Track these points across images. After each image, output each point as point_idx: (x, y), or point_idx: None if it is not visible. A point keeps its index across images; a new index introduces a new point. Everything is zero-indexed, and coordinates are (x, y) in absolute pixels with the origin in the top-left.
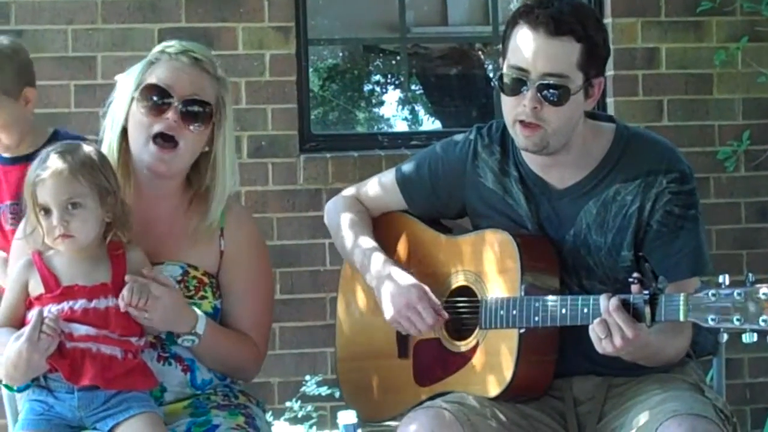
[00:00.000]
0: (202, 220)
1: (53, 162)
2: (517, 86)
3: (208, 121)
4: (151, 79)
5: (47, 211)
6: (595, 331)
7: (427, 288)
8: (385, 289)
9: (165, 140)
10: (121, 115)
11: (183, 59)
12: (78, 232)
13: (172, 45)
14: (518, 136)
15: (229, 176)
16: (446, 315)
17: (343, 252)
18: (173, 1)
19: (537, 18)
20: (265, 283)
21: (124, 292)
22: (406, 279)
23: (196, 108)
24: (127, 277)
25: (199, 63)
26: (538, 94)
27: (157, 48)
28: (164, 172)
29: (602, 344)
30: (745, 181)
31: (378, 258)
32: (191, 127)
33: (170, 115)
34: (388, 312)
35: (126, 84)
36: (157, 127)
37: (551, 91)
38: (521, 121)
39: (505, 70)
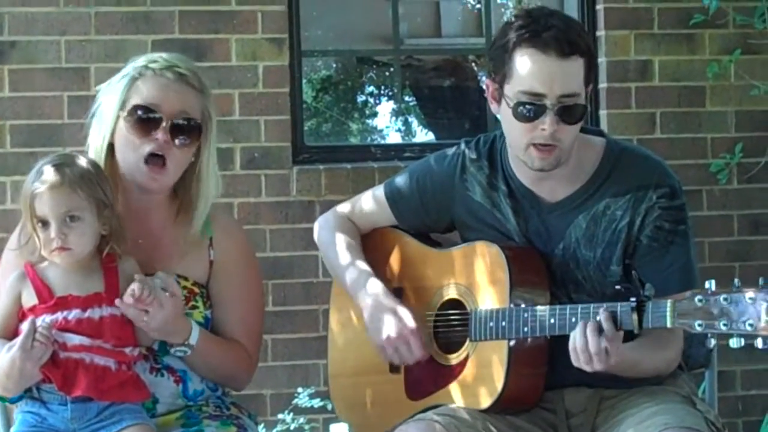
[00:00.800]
0: (188, 230)
1: (51, 174)
2: (536, 112)
3: (197, 137)
4: (138, 99)
5: (45, 224)
6: (575, 351)
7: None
8: (374, 314)
9: (155, 159)
10: (107, 131)
11: (168, 75)
12: (75, 244)
13: (155, 60)
14: (533, 159)
15: (213, 186)
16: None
17: (333, 272)
18: (166, 12)
19: (546, 41)
20: (255, 291)
21: (134, 285)
22: (400, 309)
23: (184, 126)
24: (137, 276)
25: (184, 78)
26: (557, 117)
27: (140, 61)
28: (156, 189)
29: (581, 364)
30: (738, 194)
31: (369, 282)
32: (180, 145)
33: (159, 135)
34: (377, 338)
35: (110, 99)
36: (148, 148)
37: (569, 110)
38: (536, 145)
39: (515, 96)
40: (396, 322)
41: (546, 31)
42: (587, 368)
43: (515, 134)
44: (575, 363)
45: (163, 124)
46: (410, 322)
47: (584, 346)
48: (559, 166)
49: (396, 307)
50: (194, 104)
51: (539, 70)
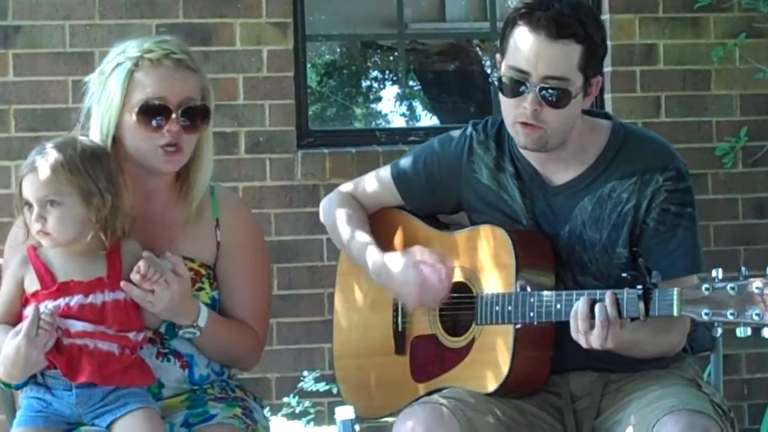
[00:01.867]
0: (189, 209)
1: (39, 158)
2: (517, 88)
3: (205, 119)
4: (142, 94)
5: (29, 206)
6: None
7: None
8: (396, 276)
9: (170, 147)
10: (111, 126)
11: (168, 63)
12: (54, 230)
13: (150, 49)
14: (518, 135)
15: (210, 164)
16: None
17: (342, 246)
18: None
19: (538, 20)
20: (263, 272)
21: (141, 263)
22: (413, 248)
23: (194, 112)
24: (144, 253)
25: (183, 63)
26: (539, 97)
27: (132, 51)
28: (173, 170)
29: (585, 338)
30: (743, 178)
31: (378, 254)
32: (193, 131)
33: (171, 127)
34: (408, 295)
35: (109, 93)
36: (162, 140)
37: (552, 93)
38: (521, 122)
39: (504, 70)
40: (411, 263)
41: (543, 11)
42: (582, 341)
43: (504, 109)
44: (573, 334)
45: (173, 116)
46: (428, 252)
47: (586, 314)
48: (547, 148)
49: (407, 249)
50: (195, 86)
51: (526, 47)
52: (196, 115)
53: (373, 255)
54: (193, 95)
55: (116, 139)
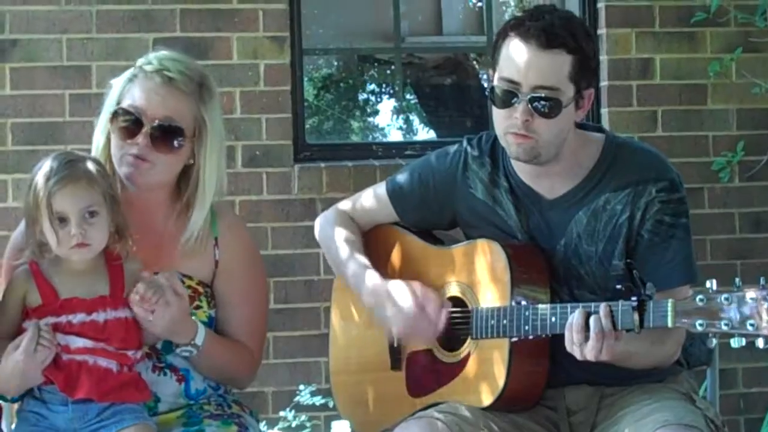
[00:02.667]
0: (186, 232)
1: (68, 171)
2: (509, 98)
3: (181, 143)
4: (125, 101)
5: (63, 221)
6: (573, 340)
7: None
8: (385, 304)
9: (137, 158)
10: (104, 130)
11: (156, 79)
12: (94, 240)
13: (150, 62)
14: (510, 145)
15: (210, 188)
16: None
17: (336, 268)
18: (168, 11)
19: (528, 30)
20: (260, 292)
21: (140, 285)
22: (409, 283)
23: (166, 131)
24: (144, 274)
25: (172, 83)
26: (530, 107)
27: (141, 60)
28: (141, 184)
29: (580, 350)
30: (739, 192)
31: (372, 278)
32: (162, 150)
33: (140, 139)
34: (396, 325)
35: (109, 98)
36: (129, 150)
37: (542, 103)
38: (513, 133)
39: (496, 82)
40: (410, 294)
41: (533, 22)
42: (577, 353)
43: (496, 120)
44: (568, 346)
45: (144, 129)
46: (425, 291)
47: (581, 326)
48: (539, 160)
49: (403, 282)
50: (182, 108)
51: (517, 57)
52: (168, 136)
53: (371, 279)
54: (174, 115)
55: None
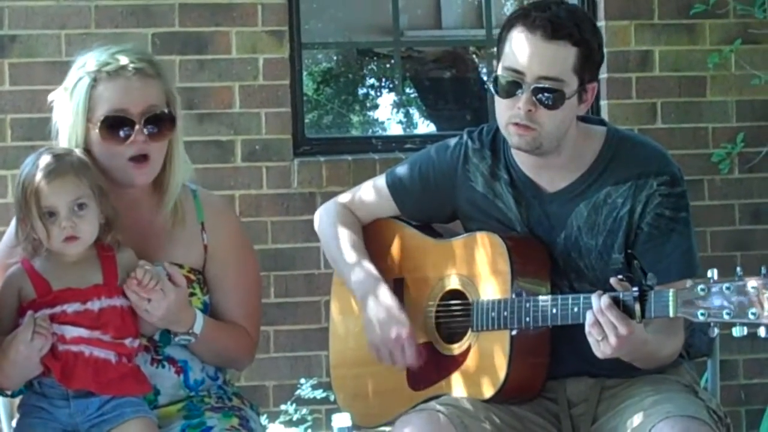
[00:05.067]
0: (166, 214)
1: (54, 164)
2: (512, 89)
3: (171, 125)
4: (104, 108)
5: (52, 215)
6: (591, 335)
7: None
8: (373, 312)
9: (138, 158)
10: (78, 142)
11: (125, 74)
12: (84, 232)
13: (107, 62)
14: (511, 135)
15: (182, 164)
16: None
17: (334, 263)
18: (166, 5)
19: (534, 21)
20: (252, 271)
21: (138, 270)
22: (396, 310)
23: (158, 120)
24: (141, 262)
25: (141, 72)
26: (533, 97)
27: (90, 65)
28: (144, 183)
29: (600, 347)
30: (739, 183)
31: (369, 275)
32: (158, 139)
33: (136, 137)
34: (372, 336)
35: (70, 109)
36: (129, 152)
37: (546, 94)
38: (515, 123)
39: (499, 72)
40: (393, 326)
41: (539, 13)
42: (599, 349)
43: (498, 110)
44: (596, 349)
45: (137, 126)
46: (406, 328)
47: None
48: (541, 151)
49: (394, 309)
50: (158, 93)
51: (522, 48)
52: (161, 123)
53: (366, 281)
54: (156, 102)
55: (89, 153)
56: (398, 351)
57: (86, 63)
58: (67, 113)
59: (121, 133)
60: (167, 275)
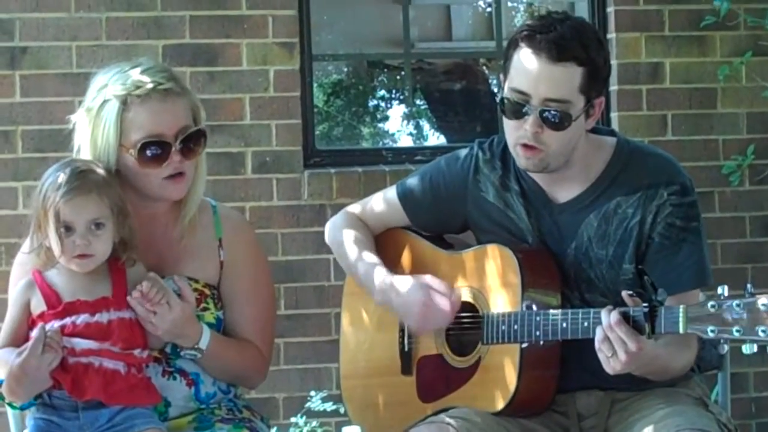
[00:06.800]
0: (184, 226)
1: (78, 181)
2: (519, 110)
3: (203, 141)
4: (139, 134)
5: (69, 230)
6: (602, 351)
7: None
8: (398, 296)
9: (174, 175)
10: (112, 163)
11: (156, 96)
12: (97, 251)
13: (137, 85)
14: (519, 157)
15: (203, 177)
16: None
17: (348, 269)
18: (177, 17)
19: (539, 43)
20: (266, 290)
21: (144, 283)
22: (414, 275)
23: (192, 139)
24: (150, 274)
25: (170, 92)
26: (540, 119)
27: (117, 87)
28: (181, 196)
29: (610, 363)
30: (750, 195)
31: (384, 274)
32: (193, 156)
33: (173, 158)
34: (409, 311)
35: (101, 133)
36: (166, 172)
37: (553, 114)
38: (522, 144)
39: (506, 92)
40: (420, 281)
41: (544, 34)
42: (609, 365)
43: (507, 130)
44: (606, 365)
45: (173, 149)
46: (430, 276)
47: (609, 326)
48: (548, 170)
49: (412, 277)
50: (187, 111)
51: (528, 70)
52: (194, 140)
53: (380, 276)
54: (187, 121)
55: (118, 172)
56: (438, 297)
57: (109, 83)
58: (96, 137)
59: (159, 157)
60: (178, 289)
